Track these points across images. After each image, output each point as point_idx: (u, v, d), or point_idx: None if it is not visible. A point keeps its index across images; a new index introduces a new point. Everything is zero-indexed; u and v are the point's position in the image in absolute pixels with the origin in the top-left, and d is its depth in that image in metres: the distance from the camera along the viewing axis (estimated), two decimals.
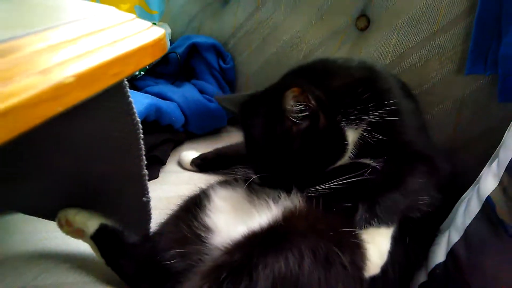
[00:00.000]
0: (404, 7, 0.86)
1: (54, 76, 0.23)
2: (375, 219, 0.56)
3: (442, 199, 0.65)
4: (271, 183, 0.65)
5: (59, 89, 0.23)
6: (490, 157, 0.66)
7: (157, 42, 0.33)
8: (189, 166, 1.01)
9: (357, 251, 0.53)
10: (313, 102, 0.61)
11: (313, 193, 0.60)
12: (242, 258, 0.47)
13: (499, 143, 0.63)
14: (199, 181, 0.91)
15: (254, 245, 0.50)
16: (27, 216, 0.80)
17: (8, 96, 0.21)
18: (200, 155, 1.02)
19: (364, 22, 0.94)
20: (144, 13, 1.16)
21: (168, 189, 0.92)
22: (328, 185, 0.60)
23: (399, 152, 0.65)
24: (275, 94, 0.64)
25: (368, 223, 0.56)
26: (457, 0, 0.79)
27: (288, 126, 0.62)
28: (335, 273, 0.49)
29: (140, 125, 0.60)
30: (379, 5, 0.90)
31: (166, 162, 1.03)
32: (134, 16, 0.35)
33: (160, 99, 1.02)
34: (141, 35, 0.32)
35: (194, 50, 1.18)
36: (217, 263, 0.48)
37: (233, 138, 1.16)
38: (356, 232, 0.54)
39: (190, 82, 1.19)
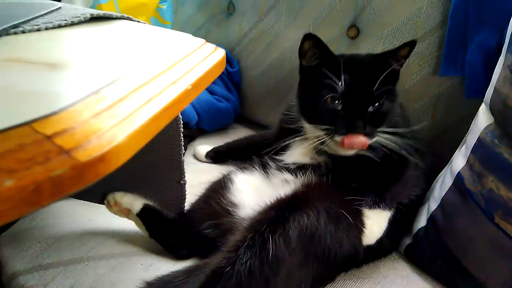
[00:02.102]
0: (389, 19, 1.00)
1: (181, 86, 0.37)
2: (383, 203, 0.72)
3: (426, 189, 0.82)
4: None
5: (185, 94, 0.37)
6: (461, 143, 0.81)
7: (223, 60, 0.47)
8: (204, 158, 1.14)
9: (358, 216, 0.68)
10: None
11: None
12: (277, 214, 0.62)
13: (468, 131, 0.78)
14: (214, 170, 1.04)
15: (283, 205, 0.64)
16: (71, 201, 0.93)
17: (165, 97, 0.36)
18: (213, 148, 1.15)
19: (354, 31, 1.07)
20: (158, 24, 1.28)
21: (189, 178, 1.03)
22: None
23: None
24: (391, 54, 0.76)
25: (376, 205, 0.72)
26: (432, 16, 0.93)
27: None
28: (342, 229, 0.65)
29: (181, 121, 0.74)
30: (368, 18, 1.04)
31: (184, 155, 1.16)
32: (204, 40, 0.49)
33: None
34: (213, 55, 0.46)
35: None
36: (256, 219, 0.62)
37: (239, 133, 1.29)
38: (358, 202, 0.70)
39: None
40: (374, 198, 0.71)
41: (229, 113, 1.28)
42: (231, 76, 1.32)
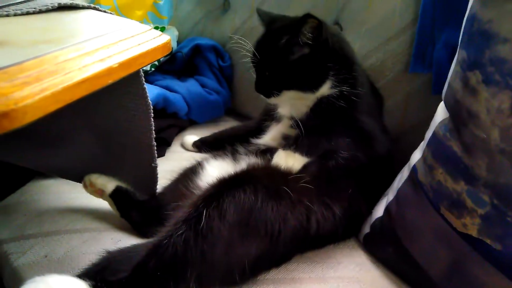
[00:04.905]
0: (367, 18, 1.03)
1: (107, 63, 0.42)
2: (295, 147, 0.78)
3: (367, 165, 0.83)
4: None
5: (109, 70, 0.42)
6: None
7: (165, 45, 0.52)
8: (190, 147, 1.20)
9: (303, 192, 0.71)
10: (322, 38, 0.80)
11: None
12: (214, 191, 0.66)
13: None
14: (198, 158, 1.10)
15: (222, 183, 0.68)
16: (59, 180, 1.00)
17: (85, 71, 0.41)
18: (200, 138, 1.20)
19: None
20: (155, 18, 1.34)
21: (172, 164, 1.09)
22: None
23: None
24: (300, 20, 0.80)
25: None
26: (405, 14, 0.95)
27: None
28: (285, 205, 0.67)
29: (151, 106, 0.79)
30: (348, 16, 1.07)
31: (171, 143, 1.22)
32: (150, 27, 0.54)
33: (167, 91, 1.21)
34: (155, 40, 0.51)
35: (197, 50, 1.36)
36: (197, 196, 0.67)
37: (229, 126, 1.33)
38: (304, 180, 0.72)
39: (193, 78, 1.37)
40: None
41: (219, 105, 1.33)
42: (222, 70, 1.37)
